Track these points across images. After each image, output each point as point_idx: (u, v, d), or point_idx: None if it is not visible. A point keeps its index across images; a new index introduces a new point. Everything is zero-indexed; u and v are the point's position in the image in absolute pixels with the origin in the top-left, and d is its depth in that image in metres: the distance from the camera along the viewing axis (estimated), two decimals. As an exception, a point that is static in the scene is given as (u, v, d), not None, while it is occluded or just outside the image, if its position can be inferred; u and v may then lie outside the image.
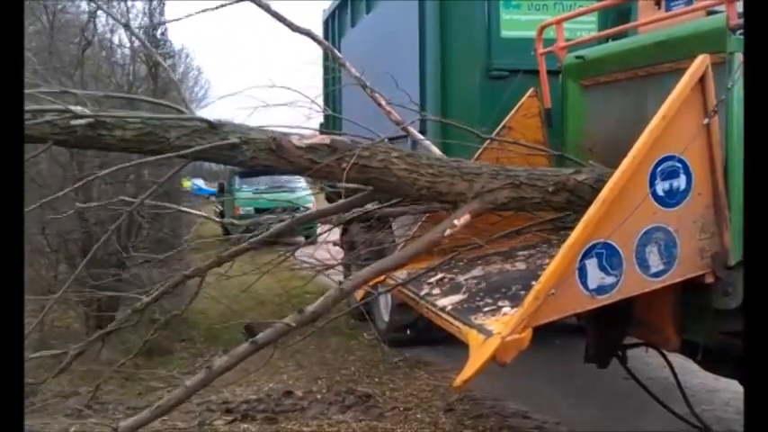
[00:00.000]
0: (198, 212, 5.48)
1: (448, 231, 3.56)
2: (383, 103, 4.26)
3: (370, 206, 4.40)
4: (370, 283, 4.65)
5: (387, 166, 3.71)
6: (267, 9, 3.91)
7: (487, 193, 3.68)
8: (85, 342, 4.25)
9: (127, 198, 4.63)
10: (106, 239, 6.52)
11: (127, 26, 7.76)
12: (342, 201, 4.34)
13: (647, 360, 4.93)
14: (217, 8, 3.84)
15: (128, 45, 8.77)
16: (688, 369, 4.78)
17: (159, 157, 3.57)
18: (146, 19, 9.01)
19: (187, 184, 16.91)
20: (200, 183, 31.75)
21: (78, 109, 3.40)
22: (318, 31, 11.56)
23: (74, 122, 3.39)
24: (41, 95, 3.52)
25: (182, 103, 3.87)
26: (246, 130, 3.65)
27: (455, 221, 3.56)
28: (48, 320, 7.40)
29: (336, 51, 4.22)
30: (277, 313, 7.10)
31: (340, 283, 3.58)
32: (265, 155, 3.59)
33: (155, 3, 8.97)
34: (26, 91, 3.57)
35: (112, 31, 8.81)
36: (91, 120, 3.40)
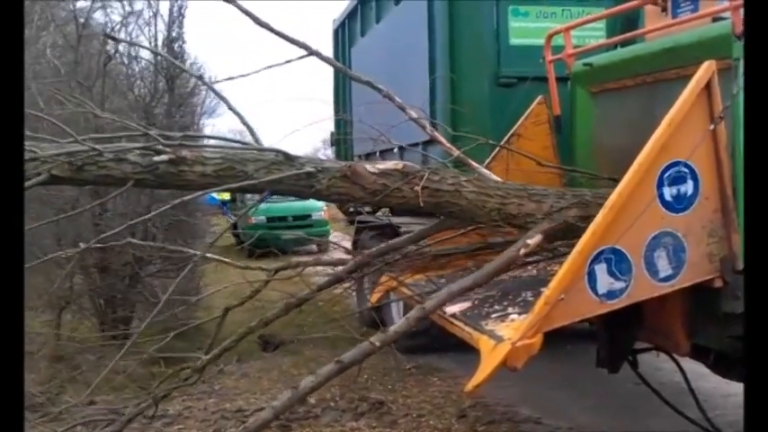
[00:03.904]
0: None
1: (522, 251, 3.59)
2: (440, 139, 4.39)
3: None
4: (385, 291, 4.71)
5: (457, 189, 3.79)
6: (331, 62, 4.03)
7: (557, 213, 3.74)
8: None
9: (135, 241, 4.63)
10: (120, 251, 6.62)
11: (111, 37, 7.85)
12: (414, 232, 4.45)
13: (659, 365, 4.93)
14: (285, 63, 3.92)
15: (147, 58, 8.88)
16: (700, 374, 4.78)
17: (238, 185, 3.62)
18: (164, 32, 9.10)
19: (225, 196, 16.96)
20: (212, 192, 31.71)
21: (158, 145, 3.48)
22: (329, 39, 11.67)
23: (156, 159, 3.46)
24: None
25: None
26: (320, 161, 3.81)
27: (528, 241, 3.60)
28: (63, 331, 7.50)
29: (394, 95, 4.26)
30: (290, 323, 7.13)
31: (421, 302, 3.60)
32: (341, 182, 3.69)
33: (174, 15, 9.06)
34: (107, 135, 3.64)
35: (133, 44, 8.91)
36: (172, 156, 3.47)
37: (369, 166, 3.74)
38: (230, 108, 3.88)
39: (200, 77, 3.75)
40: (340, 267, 4.28)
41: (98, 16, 9.71)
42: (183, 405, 5.93)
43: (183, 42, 9.46)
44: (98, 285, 7.67)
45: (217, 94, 3.81)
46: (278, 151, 3.70)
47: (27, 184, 3.28)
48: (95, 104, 7.23)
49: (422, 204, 3.74)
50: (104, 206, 7.37)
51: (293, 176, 3.62)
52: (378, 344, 3.28)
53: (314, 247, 18.02)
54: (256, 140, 3.88)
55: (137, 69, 9.24)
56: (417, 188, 3.70)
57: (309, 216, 18.10)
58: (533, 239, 3.61)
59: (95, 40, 8.79)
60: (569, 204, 3.76)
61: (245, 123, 3.87)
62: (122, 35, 8.77)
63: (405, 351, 7.03)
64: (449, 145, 4.37)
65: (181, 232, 8.41)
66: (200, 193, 3.76)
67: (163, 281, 8.20)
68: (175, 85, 9.02)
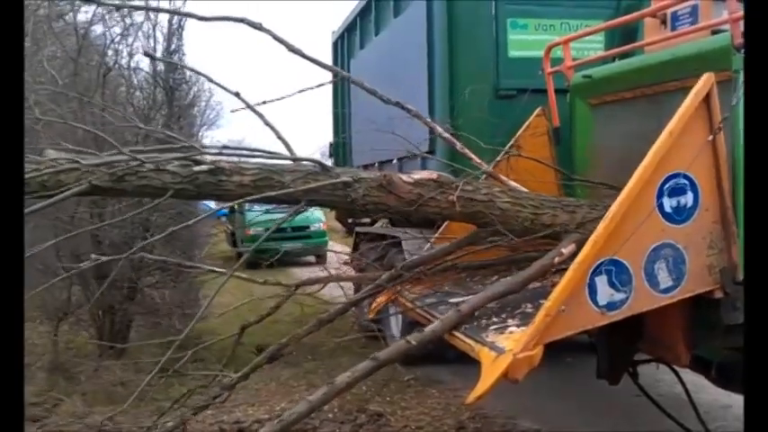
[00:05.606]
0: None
1: (557, 259, 3.61)
2: (470, 154, 4.38)
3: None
4: (384, 303, 4.70)
5: (491, 200, 3.84)
6: (360, 84, 4.09)
7: (590, 223, 3.74)
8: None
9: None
10: (118, 261, 6.59)
11: (149, 55, 7.90)
12: (448, 244, 4.45)
13: (659, 377, 4.92)
14: (318, 86, 4.04)
15: (146, 70, 8.91)
16: (701, 385, 4.77)
17: (275, 194, 3.64)
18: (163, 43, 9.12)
19: None
20: (211, 203, 31.69)
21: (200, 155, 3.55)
22: (328, 52, 11.69)
23: (196, 169, 3.49)
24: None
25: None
26: (356, 171, 3.86)
27: (563, 250, 3.62)
28: (61, 342, 7.48)
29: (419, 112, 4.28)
30: (289, 332, 7.10)
31: (457, 304, 3.61)
32: (377, 191, 3.73)
33: (174, 27, 9.08)
34: (148, 148, 3.64)
35: (131, 55, 8.94)
36: (211, 166, 3.50)
37: (404, 176, 3.80)
38: (266, 123, 3.90)
39: (237, 94, 3.78)
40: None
41: (97, 28, 9.71)
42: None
43: (183, 55, 9.49)
44: (96, 296, 7.64)
45: (253, 110, 3.84)
46: (315, 161, 3.74)
47: (67, 193, 3.31)
48: (95, 116, 7.25)
49: (454, 215, 3.76)
50: (102, 217, 7.36)
51: (329, 186, 3.67)
52: (414, 342, 3.32)
53: (311, 258, 18.02)
54: (291, 153, 3.91)
55: (135, 81, 9.26)
56: (453, 197, 3.75)
57: (308, 227, 18.08)
58: (567, 249, 3.63)
59: (94, 53, 8.80)
60: (601, 215, 3.78)
61: (280, 137, 3.89)
62: (122, 47, 8.79)
63: (403, 362, 7.01)
64: (478, 160, 4.38)
65: (180, 242, 8.39)
66: (231, 203, 3.78)
67: (161, 291, 8.19)
68: (174, 97, 9.05)
